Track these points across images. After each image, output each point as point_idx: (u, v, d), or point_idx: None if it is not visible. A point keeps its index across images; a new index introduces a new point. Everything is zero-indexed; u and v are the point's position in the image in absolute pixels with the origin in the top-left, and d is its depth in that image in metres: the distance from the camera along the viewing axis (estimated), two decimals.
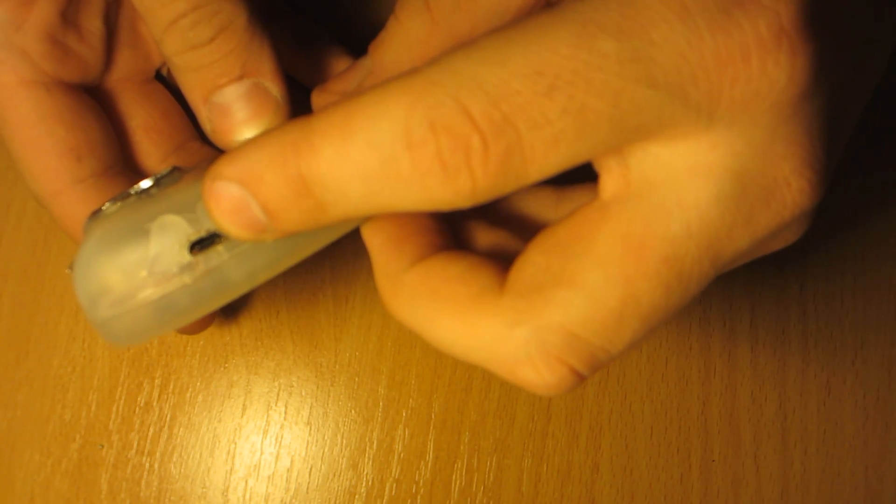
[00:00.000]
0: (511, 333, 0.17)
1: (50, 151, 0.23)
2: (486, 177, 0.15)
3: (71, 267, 0.19)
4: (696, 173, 0.16)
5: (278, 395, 0.30)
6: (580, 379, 0.17)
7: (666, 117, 0.15)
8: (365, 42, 0.23)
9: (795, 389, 0.31)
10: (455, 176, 0.15)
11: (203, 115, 0.21)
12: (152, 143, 0.26)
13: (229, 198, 0.17)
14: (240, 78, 0.20)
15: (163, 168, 0.21)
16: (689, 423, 0.30)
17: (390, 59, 0.22)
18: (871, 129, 0.32)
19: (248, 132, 0.21)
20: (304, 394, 0.30)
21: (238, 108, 0.21)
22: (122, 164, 0.25)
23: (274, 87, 0.21)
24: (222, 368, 0.30)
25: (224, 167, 0.17)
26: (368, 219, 0.20)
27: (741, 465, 0.30)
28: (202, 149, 0.26)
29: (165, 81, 0.27)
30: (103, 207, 0.20)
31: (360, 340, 0.30)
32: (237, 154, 0.17)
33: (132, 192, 0.20)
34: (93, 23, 0.24)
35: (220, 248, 0.19)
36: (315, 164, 0.16)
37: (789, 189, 0.17)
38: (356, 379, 0.30)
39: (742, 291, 0.31)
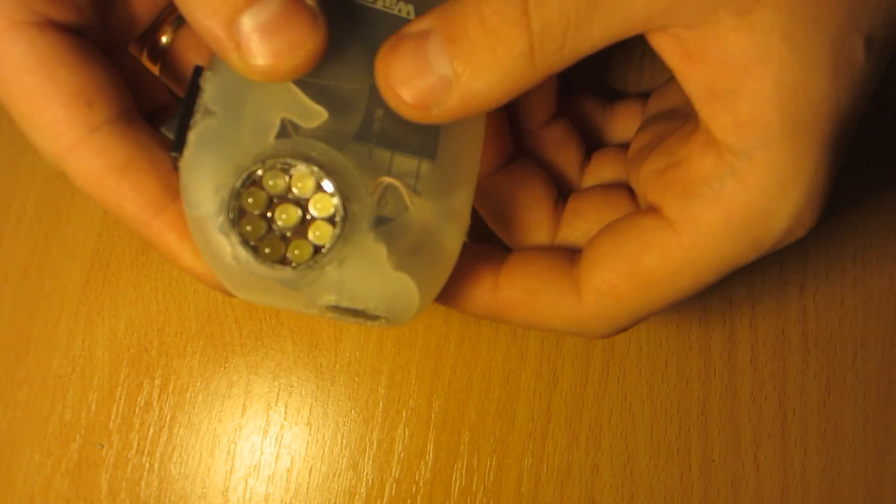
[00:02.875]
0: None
1: (56, 99, 0.20)
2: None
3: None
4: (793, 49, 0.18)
5: (278, 395, 0.30)
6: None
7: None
8: None
9: (795, 389, 0.31)
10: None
11: (226, 45, 0.18)
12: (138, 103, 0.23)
13: (412, 54, 0.18)
14: None
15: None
16: (689, 423, 0.30)
17: None
18: (871, 128, 0.32)
19: (290, 59, 0.18)
20: (304, 394, 0.30)
21: (274, 30, 0.18)
22: (135, 111, 0.21)
23: None
24: (222, 368, 0.30)
25: (410, 26, 0.19)
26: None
27: (741, 465, 0.30)
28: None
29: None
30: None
31: (360, 340, 0.30)
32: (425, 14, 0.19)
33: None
34: None
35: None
36: None
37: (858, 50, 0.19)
38: (356, 379, 0.30)
39: (742, 291, 0.31)
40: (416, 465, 0.30)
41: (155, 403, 0.30)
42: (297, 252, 0.19)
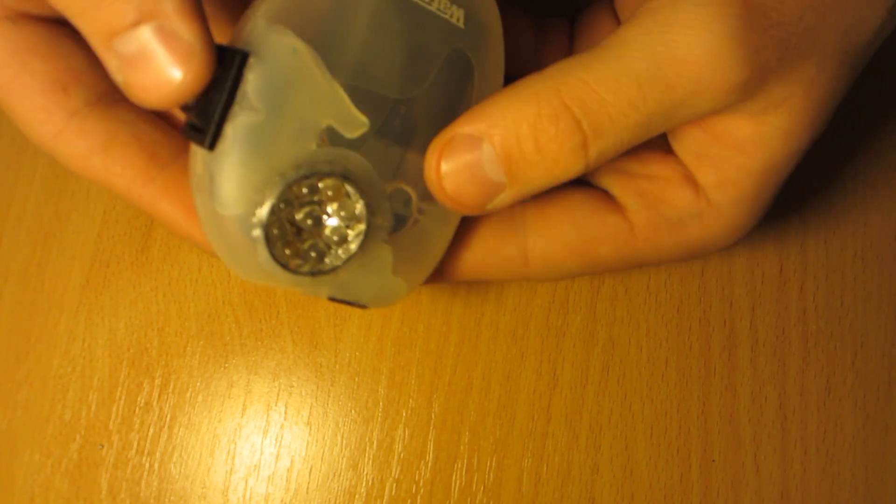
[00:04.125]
0: None
1: (33, 89, 0.20)
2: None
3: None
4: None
5: (278, 395, 0.30)
6: None
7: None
8: None
9: (795, 389, 0.30)
10: None
11: (111, 64, 0.18)
12: None
13: (465, 160, 0.19)
14: (137, 23, 0.17)
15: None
16: (689, 423, 0.30)
17: None
18: (871, 129, 0.32)
19: (156, 94, 0.17)
20: (304, 394, 0.30)
21: (140, 64, 0.17)
22: (116, 92, 0.22)
23: (184, 29, 0.17)
24: (222, 368, 0.30)
25: (461, 125, 0.19)
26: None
27: (741, 465, 0.30)
28: None
29: None
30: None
31: (360, 340, 0.30)
32: (475, 112, 0.19)
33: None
34: None
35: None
36: (586, 90, 0.18)
37: None
38: (356, 379, 0.30)
39: (742, 291, 0.31)
40: (416, 465, 0.30)
41: (155, 403, 0.30)
42: (313, 254, 0.20)
